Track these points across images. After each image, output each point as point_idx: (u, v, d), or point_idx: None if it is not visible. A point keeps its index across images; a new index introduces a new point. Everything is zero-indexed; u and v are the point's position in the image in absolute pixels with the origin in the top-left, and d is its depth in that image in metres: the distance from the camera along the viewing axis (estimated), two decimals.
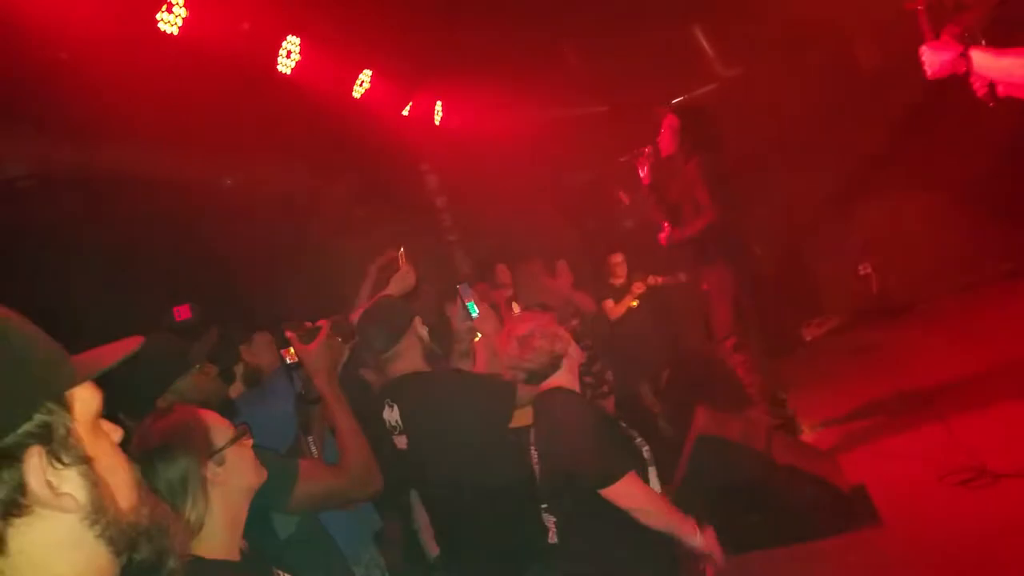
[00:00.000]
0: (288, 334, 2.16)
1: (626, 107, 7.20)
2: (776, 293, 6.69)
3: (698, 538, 2.21)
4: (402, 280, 2.95)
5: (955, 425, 3.86)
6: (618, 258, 6.27)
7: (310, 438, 2.54)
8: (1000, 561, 2.71)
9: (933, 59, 2.26)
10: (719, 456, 3.43)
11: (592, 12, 5.67)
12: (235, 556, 1.54)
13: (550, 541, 2.49)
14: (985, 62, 2.16)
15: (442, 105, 6.07)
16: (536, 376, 2.43)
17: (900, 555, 2.97)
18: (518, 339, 2.44)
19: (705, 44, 6.53)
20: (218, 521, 1.52)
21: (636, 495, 2.19)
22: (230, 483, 1.56)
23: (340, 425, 2.03)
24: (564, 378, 2.40)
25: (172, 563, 0.82)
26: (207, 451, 1.54)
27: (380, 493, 2.05)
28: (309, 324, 2.24)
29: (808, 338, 7.15)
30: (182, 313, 3.83)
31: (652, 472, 2.33)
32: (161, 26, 3.68)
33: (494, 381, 2.61)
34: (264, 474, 1.64)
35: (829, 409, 4.96)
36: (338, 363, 2.14)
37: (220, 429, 1.61)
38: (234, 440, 1.60)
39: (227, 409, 2.47)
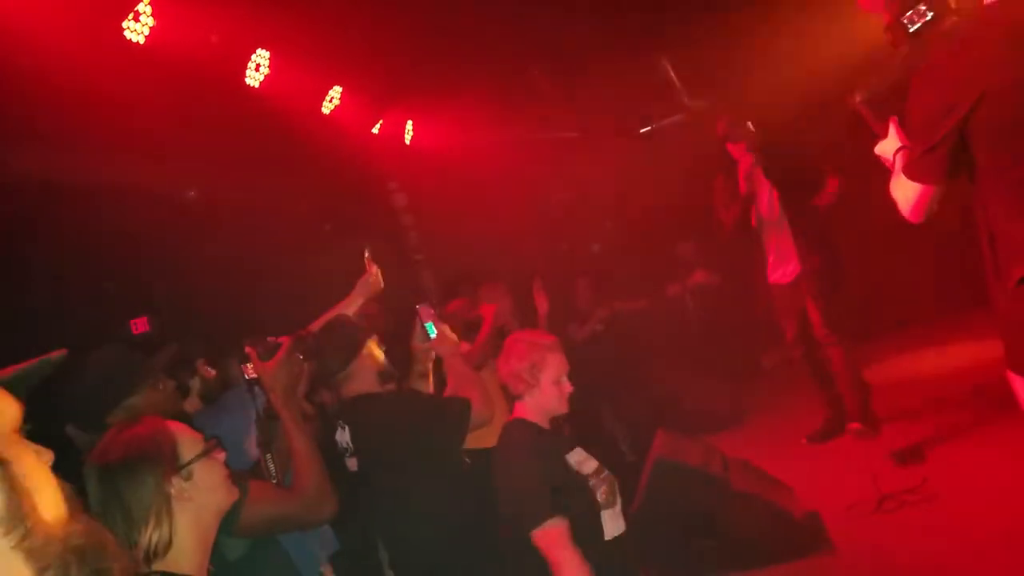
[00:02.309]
0: (247, 349, 2.09)
1: (596, 134, 7.31)
2: (738, 319, 6.80)
3: None
4: (367, 284, 2.82)
5: (897, 447, 3.96)
6: (585, 281, 6.32)
7: (268, 456, 2.49)
8: None
9: (884, 154, 2.11)
10: (677, 480, 3.44)
11: (563, 40, 5.77)
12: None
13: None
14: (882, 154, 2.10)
15: (413, 124, 6.09)
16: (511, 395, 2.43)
17: None
18: (503, 354, 2.44)
19: (672, 75, 6.67)
20: (186, 539, 1.44)
21: (552, 547, 2.09)
22: (199, 499, 1.48)
23: (295, 446, 1.96)
24: (527, 410, 2.36)
25: None
26: (173, 465, 1.47)
27: (334, 517, 1.99)
28: (273, 340, 2.19)
29: (767, 365, 7.27)
30: (139, 326, 3.75)
31: (609, 513, 2.26)
32: (127, 34, 3.65)
33: (446, 403, 2.59)
34: (236, 492, 1.58)
35: (787, 434, 5.03)
36: (297, 381, 2.06)
37: (189, 442, 1.53)
38: (204, 454, 1.52)
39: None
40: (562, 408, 2.39)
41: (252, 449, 2.45)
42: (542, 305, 3.81)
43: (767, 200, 4.72)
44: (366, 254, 2.86)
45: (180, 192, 4.69)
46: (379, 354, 2.66)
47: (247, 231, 4.67)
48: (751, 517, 3.29)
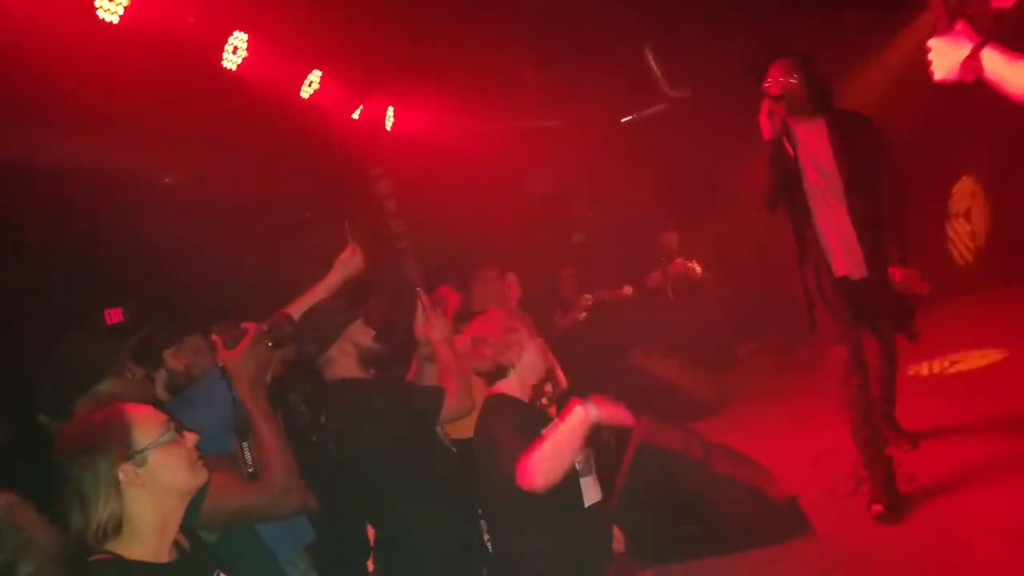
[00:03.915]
0: (213, 337, 2.02)
1: (579, 123, 7.29)
2: (717, 307, 6.83)
3: (591, 410, 2.09)
4: (347, 263, 2.68)
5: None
6: (569, 271, 6.33)
7: (245, 444, 2.45)
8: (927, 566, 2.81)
9: (942, 58, 1.79)
10: (659, 465, 3.44)
11: (547, 29, 5.74)
12: (163, 558, 1.52)
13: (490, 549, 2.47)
14: (1001, 69, 1.68)
15: (394, 111, 6.03)
16: (486, 376, 2.44)
17: (830, 564, 3.04)
18: (472, 339, 2.47)
19: (654, 65, 6.66)
20: (144, 523, 1.49)
21: (536, 463, 2.07)
22: (155, 484, 1.52)
23: (261, 437, 1.91)
24: (509, 385, 2.39)
25: (27, 568, 0.78)
26: (125, 452, 1.50)
27: (301, 511, 1.94)
28: (247, 326, 2.15)
29: (743, 353, 7.35)
30: (114, 316, 3.68)
31: (587, 480, 2.31)
32: (100, 14, 3.57)
33: (416, 392, 2.59)
34: (204, 474, 1.59)
35: (766, 421, 5.07)
36: (264, 370, 2.00)
37: (146, 428, 1.55)
38: (163, 440, 1.54)
39: None
40: (548, 362, 2.46)
41: (227, 439, 2.41)
42: (514, 294, 3.81)
43: (819, 156, 3.47)
44: (346, 227, 2.75)
45: (156, 176, 4.61)
46: (363, 339, 2.65)
47: (226, 216, 4.60)
48: (732, 501, 3.30)
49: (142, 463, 1.51)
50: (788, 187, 3.48)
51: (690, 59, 6.65)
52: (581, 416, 2.09)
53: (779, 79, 3.39)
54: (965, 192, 7.36)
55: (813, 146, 3.47)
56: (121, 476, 1.48)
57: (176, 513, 1.57)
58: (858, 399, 3.42)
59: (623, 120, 7.34)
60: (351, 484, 2.55)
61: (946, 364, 5.22)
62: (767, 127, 3.41)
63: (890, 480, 3.39)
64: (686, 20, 6.06)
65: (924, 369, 5.21)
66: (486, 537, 2.51)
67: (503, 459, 2.17)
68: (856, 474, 3.47)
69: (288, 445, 1.95)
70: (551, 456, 2.07)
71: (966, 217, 7.34)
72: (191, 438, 1.60)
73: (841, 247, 3.46)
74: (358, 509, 2.70)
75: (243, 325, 2.16)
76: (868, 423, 3.44)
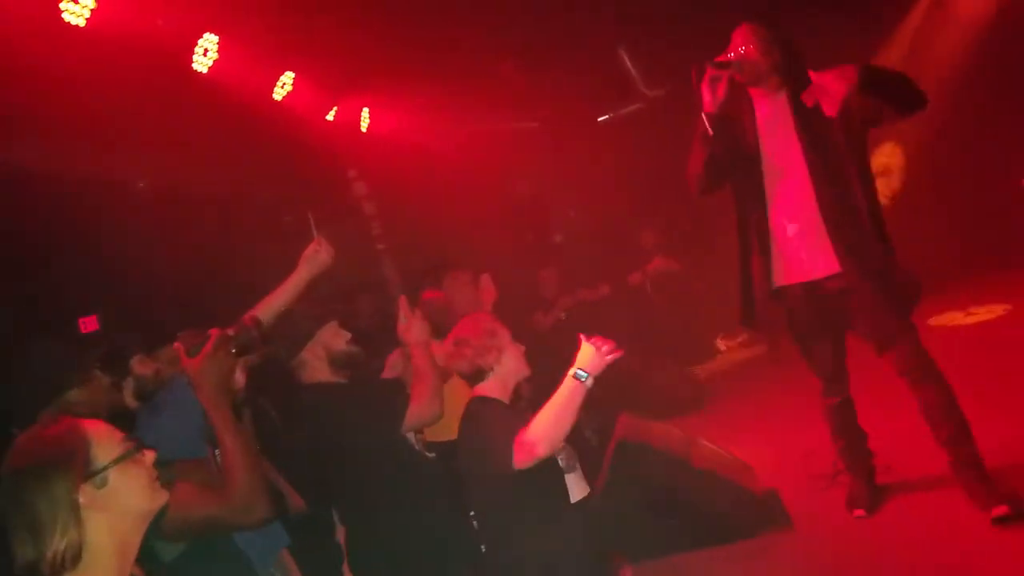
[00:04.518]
0: (176, 345, 1.94)
1: (556, 124, 7.31)
2: (699, 304, 6.86)
3: (588, 362, 2.15)
4: (313, 258, 2.56)
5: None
6: (549, 272, 6.34)
7: (216, 452, 2.42)
8: (903, 559, 2.83)
9: None
10: (640, 461, 3.46)
11: (522, 29, 5.74)
12: None
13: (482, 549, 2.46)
14: None
15: (370, 112, 6.00)
16: (467, 378, 2.47)
17: (810, 555, 3.06)
18: (454, 341, 2.49)
19: (630, 65, 6.69)
20: (102, 548, 1.37)
21: (528, 445, 2.10)
22: (115, 506, 1.40)
23: (224, 447, 1.82)
24: (490, 387, 2.42)
25: None
26: (84, 472, 1.38)
27: (269, 521, 1.86)
28: (202, 334, 2.01)
29: (722, 348, 7.39)
30: (89, 324, 3.62)
31: (573, 477, 2.32)
32: (66, 17, 3.52)
33: (383, 396, 2.60)
34: (163, 496, 1.49)
35: (745, 416, 5.09)
36: (227, 378, 1.90)
37: (105, 445, 1.43)
38: (122, 458, 1.43)
39: (123, 422, 2.34)
40: (526, 368, 2.47)
41: (199, 444, 2.37)
42: (489, 296, 3.80)
43: (777, 133, 3.02)
44: (310, 219, 2.62)
45: (129, 181, 4.55)
46: (335, 342, 2.64)
47: (201, 220, 4.56)
48: (712, 495, 3.32)
49: (102, 484, 1.39)
50: (741, 170, 3.06)
51: (666, 57, 6.69)
52: (572, 385, 2.14)
53: (735, 47, 2.98)
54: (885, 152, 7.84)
55: (775, 124, 3.02)
56: (82, 499, 1.35)
57: (136, 537, 1.46)
58: (830, 414, 3.19)
59: (600, 119, 7.36)
60: (320, 489, 2.54)
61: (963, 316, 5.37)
62: (707, 98, 2.95)
63: (869, 479, 3.22)
64: (661, 19, 6.09)
65: (946, 320, 5.28)
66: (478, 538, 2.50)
67: (492, 458, 2.18)
68: (835, 467, 3.48)
69: (255, 454, 1.89)
70: (552, 421, 2.12)
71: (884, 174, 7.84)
72: (149, 456, 1.50)
73: (804, 243, 2.97)
74: (329, 514, 2.70)
75: (209, 331, 2.11)
76: (844, 435, 3.22)
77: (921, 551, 2.83)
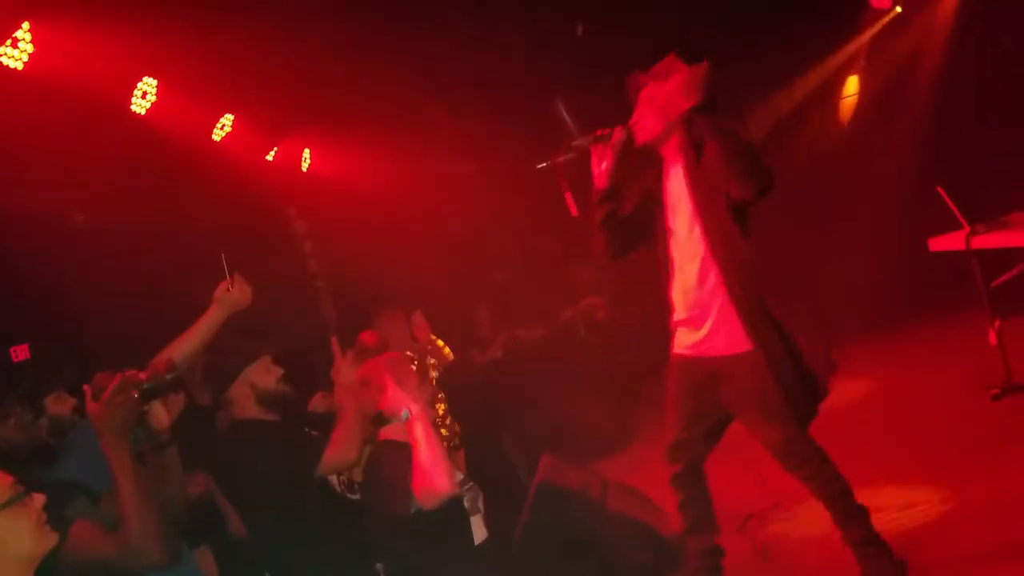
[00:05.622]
0: (85, 387, 1.92)
1: (493, 168, 7.50)
2: (627, 343, 7.06)
3: None
4: (225, 298, 2.51)
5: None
6: (484, 310, 6.47)
7: None
8: None
9: None
10: (558, 504, 3.57)
11: (460, 75, 5.94)
12: None
13: None
14: None
15: (311, 152, 6.10)
16: (372, 420, 2.53)
17: None
18: (360, 380, 2.55)
19: (566, 116, 6.95)
20: None
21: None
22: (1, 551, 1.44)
23: (119, 492, 1.82)
24: (393, 431, 2.48)
25: None
26: None
27: (165, 567, 1.86)
28: (107, 377, 1.98)
29: (649, 389, 7.58)
30: (20, 353, 3.56)
31: (476, 520, 2.41)
32: (5, 60, 3.56)
33: (301, 437, 2.62)
34: (52, 539, 1.53)
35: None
36: (128, 423, 1.88)
37: None
38: (5, 505, 1.47)
39: (43, 456, 2.37)
40: (430, 412, 2.57)
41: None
42: (422, 334, 3.90)
43: (675, 193, 2.74)
44: (223, 258, 2.56)
45: (65, 217, 4.53)
46: (262, 380, 2.66)
47: (137, 257, 4.56)
48: (625, 539, 3.46)
49: None
50: (650, 240, 2.84)
51: (602, 107, 6.97)
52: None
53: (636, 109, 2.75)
54: None
55: (673, 187, 2.74)
56: None
57: None
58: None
59: (538, 167, 7.58)
60: (242, 529, 2.58)
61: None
62: (595, 171, 2.79)
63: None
64: (596, 71, 6.37)
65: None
66: None
67: (393, 501, 2.26)
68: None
69: (152, 498, 1.86)
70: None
71: None
72: (39, 499, 1.52)
73: (712, 321, 2.70)
74: (253, 556, 2.73)
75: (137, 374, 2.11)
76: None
77: None
